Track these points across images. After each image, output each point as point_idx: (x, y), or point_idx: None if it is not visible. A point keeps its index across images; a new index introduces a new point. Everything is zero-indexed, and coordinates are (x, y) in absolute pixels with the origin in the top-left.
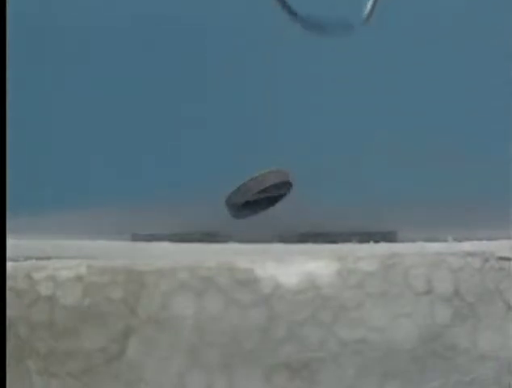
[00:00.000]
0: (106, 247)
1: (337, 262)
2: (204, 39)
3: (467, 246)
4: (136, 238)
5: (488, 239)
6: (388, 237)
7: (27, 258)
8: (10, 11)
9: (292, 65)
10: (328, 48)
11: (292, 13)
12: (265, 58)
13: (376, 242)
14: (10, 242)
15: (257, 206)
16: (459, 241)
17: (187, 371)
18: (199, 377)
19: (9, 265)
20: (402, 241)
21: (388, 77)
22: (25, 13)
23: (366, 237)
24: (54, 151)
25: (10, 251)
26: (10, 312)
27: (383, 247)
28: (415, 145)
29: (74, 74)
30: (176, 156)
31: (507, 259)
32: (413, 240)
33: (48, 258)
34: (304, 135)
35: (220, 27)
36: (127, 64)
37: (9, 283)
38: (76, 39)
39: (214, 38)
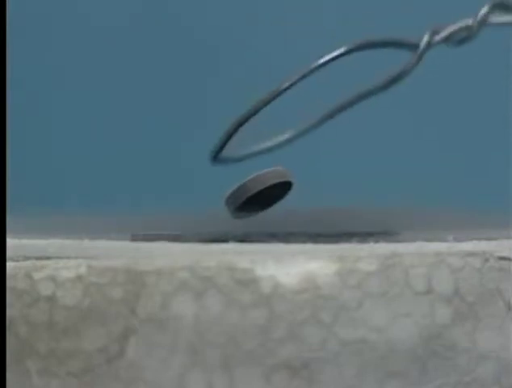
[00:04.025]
0: (106, 247)
1: (337, 262)
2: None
3: (467, 246)
4: (135, 238)
5: (488, 239)
6: (388, 237)
7: (26, 258)
8: (9, 12)
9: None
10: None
11: None
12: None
13: (376, 242)
14: (10, 242)
15: (257, 206)
16: (459, 241)
17: (187, 371)
18: (199, 377)
19: (9, 265)
20: (402, 241)
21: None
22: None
23: (366, 237)
24: (54, 151)
25: (10, 251)
26: (10, 312)
27: (383, 247)
28: (412, 144)
29: (76, 75)
30: (175, 155)
31: (507, 259)
32: (413, 240)
33: (48, 258)
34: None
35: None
36: (128, 65)
37: (9, 283)
38: (77, 38)
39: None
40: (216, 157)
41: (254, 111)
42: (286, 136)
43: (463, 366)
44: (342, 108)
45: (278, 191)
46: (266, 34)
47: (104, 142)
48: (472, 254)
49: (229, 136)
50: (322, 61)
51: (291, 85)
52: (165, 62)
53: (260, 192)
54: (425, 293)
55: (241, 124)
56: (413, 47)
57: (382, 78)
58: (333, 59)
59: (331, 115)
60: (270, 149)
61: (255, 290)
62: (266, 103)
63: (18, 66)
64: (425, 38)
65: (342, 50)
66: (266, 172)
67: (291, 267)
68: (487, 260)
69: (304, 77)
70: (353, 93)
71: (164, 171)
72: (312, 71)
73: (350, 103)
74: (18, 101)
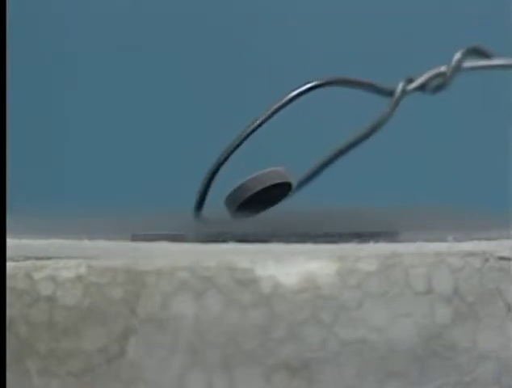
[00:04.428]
0: (106, 247)
1: (337, 262)
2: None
3: (467, 246)
4: (135, 238)
5: (488, 239)
6: (388, 237)
7: (26, 258)
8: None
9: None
10: None
11: None
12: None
13: (376, 242)
14: (10, 242)
15: (257, 206)
16: (459, 241)
17: (187, 371)
18: (199, 377)
19: (9, 265)
20: (402, 241)
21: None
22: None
23: (366, 237)
24: (54, 151)
25: (10, 251)
26: (10, 312)
27: (383, 247)
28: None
29: (76, 75)
30: (175, 155)
31: (507, 259)
32: (413, 240)
33: (48, 258)
34: (304, 134)
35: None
36: (130, 64)
37: (9, 283)
38: (78, 38)
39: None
40: (199, 213)
41: (224, 158)
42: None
43: (463, 366)
44: (324, 166)
45: (277, 191)
46: (267, 37)
47: (104, 142)
48: (472, 254)
49: (205, 191)
50: (291, 95)
51: (261, 124)
52: (165, 62)
53: (260, 193)
54: (425, 293)
55: (212, 176)
56: (388, 93)
57: (360, 129)
58: (301, 93)
59: (312, 177)
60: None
61: (255, 290)
62: (236, 147)
63: (18, 66)
64: (400, 86)
65: (310, 85)
66: (266, 172)
67: (291, 267)
68: (487, 260)
69: (273, 114)
70: (333, 148)
71: (164, 171)
72: (281, 107)
73: (332, 159)
74: (19, 101)
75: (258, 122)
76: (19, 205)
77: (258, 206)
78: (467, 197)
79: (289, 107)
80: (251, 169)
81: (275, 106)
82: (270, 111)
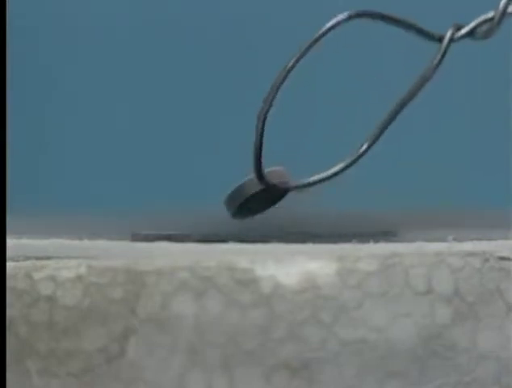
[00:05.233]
0: (106, 247)
1: (337, 262)
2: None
3: (467, 246)
4: (135, 238)
5: (488, 239)
6: (388, 237)
7: (26, 258)
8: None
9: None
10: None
11: None
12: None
13: (376, 242)
14: (10, 242)
15: (257, 206)
16: (459, 241)
17: (187, 371)
18: (199, 377)
19: (9, 265)
20: (402, 241)
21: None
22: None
23: (366, 237)
24: (54, 151)
25: (10, 251)
26: (10, 312)
27: (383, 247)
28: (415, 144)
29: (77, 75)
30: (175, 155)
31: (507, 259)
32: (413, 240)
33: (48, 258)
34: (304, 134)
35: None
36: (128, 64)
37: (9, 283)
38: (78, 39)
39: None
40: (261, 173)
41: (272, 97)
42: (340, 165)
43: (463, 366)
44: (385, 125)
45: (277, 191)
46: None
47: (104, 142)
48: (472, 254)
49: (260, 142)
50: (328, 26)
51: (300, 57)
52: (169, 60)
53: (259, 192)
54: (425, 293)
55: (264, 116)
56: (435, 39)
57: (410, 82)
58: (337, 24)
59: (379, 135)
60: (322, 180)
61: (255, 290)
62: (279, 84)
63: (19, 66)
64: (449, 33)
65: (345, 16)
66: (266, 172)
67: (291, 267)
68: (487, 260)
69: (310, 46)
70: (391, 107)
71: (164, 171)
72: (320, 37)
73: (393, 116)
74: (19, 101)
75: (295, 58)
76: (19, 205)
77: (258, 206)
78: (468, 197)
79: (288, 106)
80: (251, 169)
81: (315, 36)
82: (308, 43)
